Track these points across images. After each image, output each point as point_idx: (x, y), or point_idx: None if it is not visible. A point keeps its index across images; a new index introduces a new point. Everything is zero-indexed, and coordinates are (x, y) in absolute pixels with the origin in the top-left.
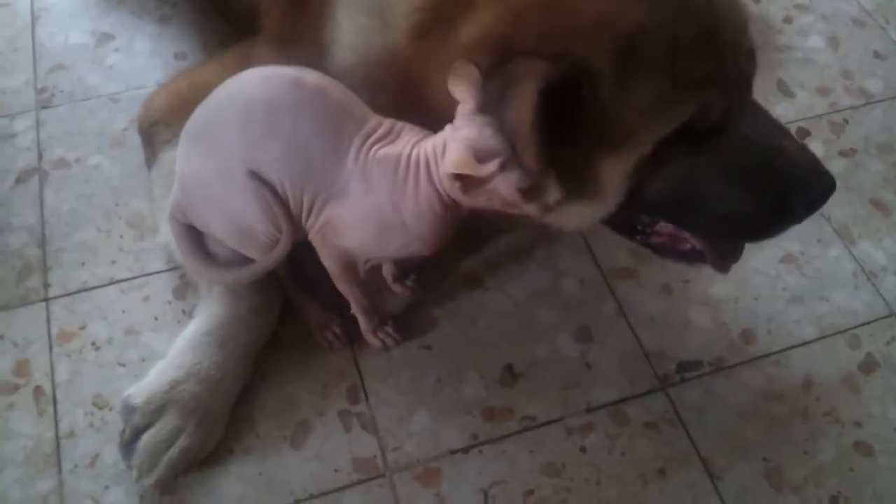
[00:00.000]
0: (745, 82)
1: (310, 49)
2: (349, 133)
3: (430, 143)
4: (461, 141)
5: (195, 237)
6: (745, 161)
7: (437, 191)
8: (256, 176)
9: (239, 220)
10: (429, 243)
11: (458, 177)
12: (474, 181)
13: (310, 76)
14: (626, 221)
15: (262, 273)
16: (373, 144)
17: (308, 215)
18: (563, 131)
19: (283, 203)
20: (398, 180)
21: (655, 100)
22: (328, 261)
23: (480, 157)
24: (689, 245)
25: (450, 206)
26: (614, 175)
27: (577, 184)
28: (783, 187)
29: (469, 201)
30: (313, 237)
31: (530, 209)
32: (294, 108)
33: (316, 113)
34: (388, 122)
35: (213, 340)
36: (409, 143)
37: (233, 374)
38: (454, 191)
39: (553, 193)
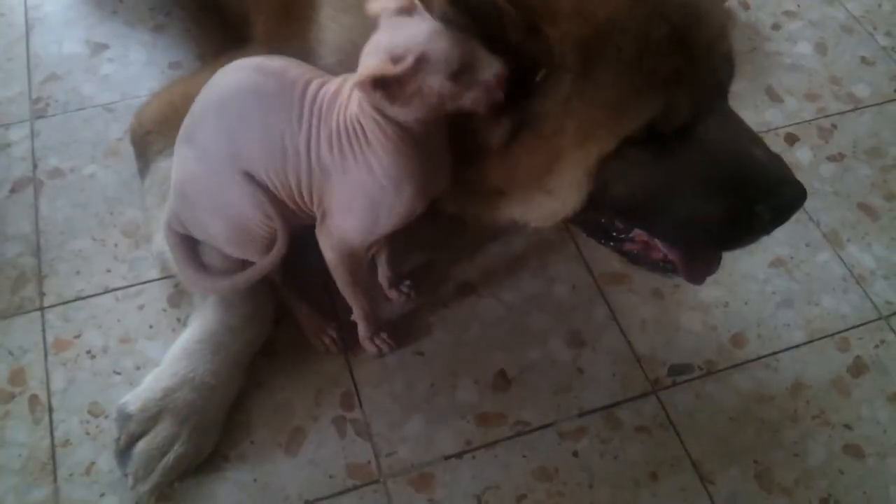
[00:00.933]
0: (719, 87)
1: (297, 51)
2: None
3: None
4: (371, 51)
5: (190, 247)
6: (711, 166)
7: (371, 118)
8: (242, 173)
9: (235, 217)
10: (410, 195)
11: (379, 87)
12: (397, 86)
13: (273, 61)
14: (599, 226)
15: (257, 278)
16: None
17: (309, 198)
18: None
19: (275, 200)
20: (353, 139)
21: (620, 94)
22: (331, 254)
23: (395, 54)
24: (661, 254)
25: (394, 128)
26: (577, 170)
27: (541, 176)
28: (750, 195)
29: (402, 112)
30: (318, 226)
31: (473, 98)
32: (259, 93)
33: (281, 94)
34: (338, 79)
35: (206, 348)
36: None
37: (227, 381)
38: (382, 104)
39: (488, 67)
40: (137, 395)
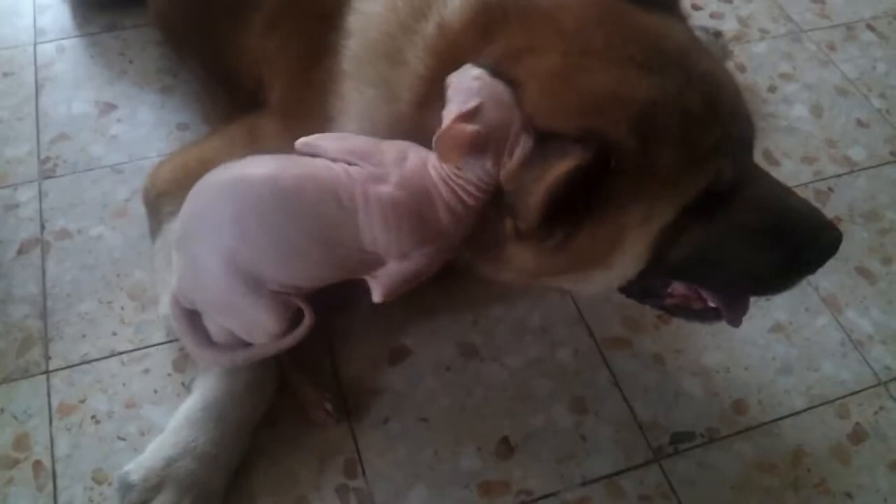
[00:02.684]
0: (747, 147)
1: (314, 121)
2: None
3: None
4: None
5: (195, 320)
6: (759, 221)
7: (463, 190)
8: (266, 292)
9: (254, 324)
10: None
11: (476, 148)
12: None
13: (287, 172)
14: (639, 286)
15: (258, 359)
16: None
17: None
18: (591, 202)
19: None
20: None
21: (675, 169)
22: (386, 291)
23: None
24: (701, 304)
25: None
26: (639, 243)
27: (603, 252)
28: (796, 242)
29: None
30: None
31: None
32: (304, 192)
33: (329, 184)
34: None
35: (209, 416)
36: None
37: (229, 449)
38: (479, 166)
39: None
40: (139, 465)
